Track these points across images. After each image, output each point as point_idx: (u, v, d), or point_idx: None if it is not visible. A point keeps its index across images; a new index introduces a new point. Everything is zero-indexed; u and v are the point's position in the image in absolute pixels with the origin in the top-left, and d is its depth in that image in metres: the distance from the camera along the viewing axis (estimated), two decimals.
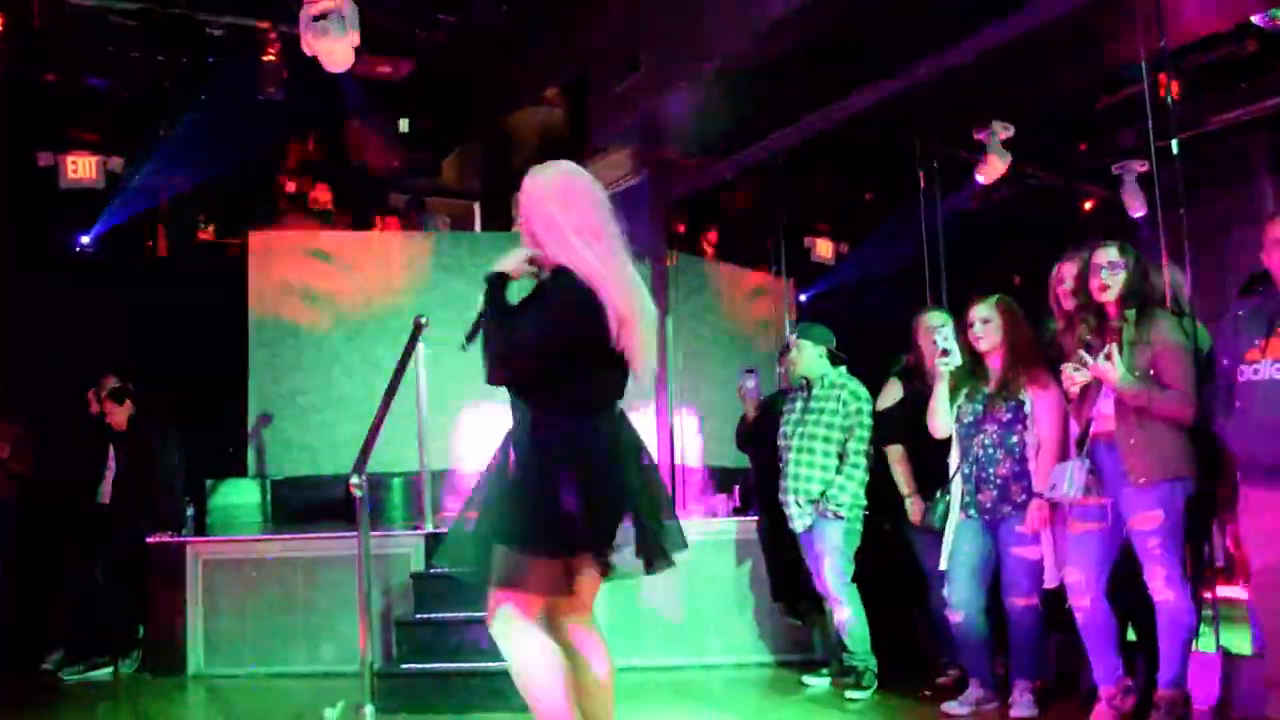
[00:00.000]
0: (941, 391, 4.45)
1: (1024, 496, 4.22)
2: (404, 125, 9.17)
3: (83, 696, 5.50)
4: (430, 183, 9.91)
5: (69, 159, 8.56)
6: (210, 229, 9.23)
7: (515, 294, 2.94)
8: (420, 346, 4.92)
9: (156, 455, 6.36)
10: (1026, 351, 4.33)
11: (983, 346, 4.38)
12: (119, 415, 6.47)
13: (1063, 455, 4.11)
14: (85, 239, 9.02)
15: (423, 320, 4.85)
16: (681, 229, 8.71)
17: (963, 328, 4.42)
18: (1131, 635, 4.20)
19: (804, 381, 5.09)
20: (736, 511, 5.91)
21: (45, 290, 8.02)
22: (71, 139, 8.67)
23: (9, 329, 7.59)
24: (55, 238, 8.94)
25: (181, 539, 6.04)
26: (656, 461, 3.18)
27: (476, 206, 9.37)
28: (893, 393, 5.03)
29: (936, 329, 4.47)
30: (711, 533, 5.78)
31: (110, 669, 5.99)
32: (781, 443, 5.08)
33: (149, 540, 5.99)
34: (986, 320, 4.37)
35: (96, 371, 6.65)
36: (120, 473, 6.38)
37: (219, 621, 5.87)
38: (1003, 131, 7.06)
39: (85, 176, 8.66)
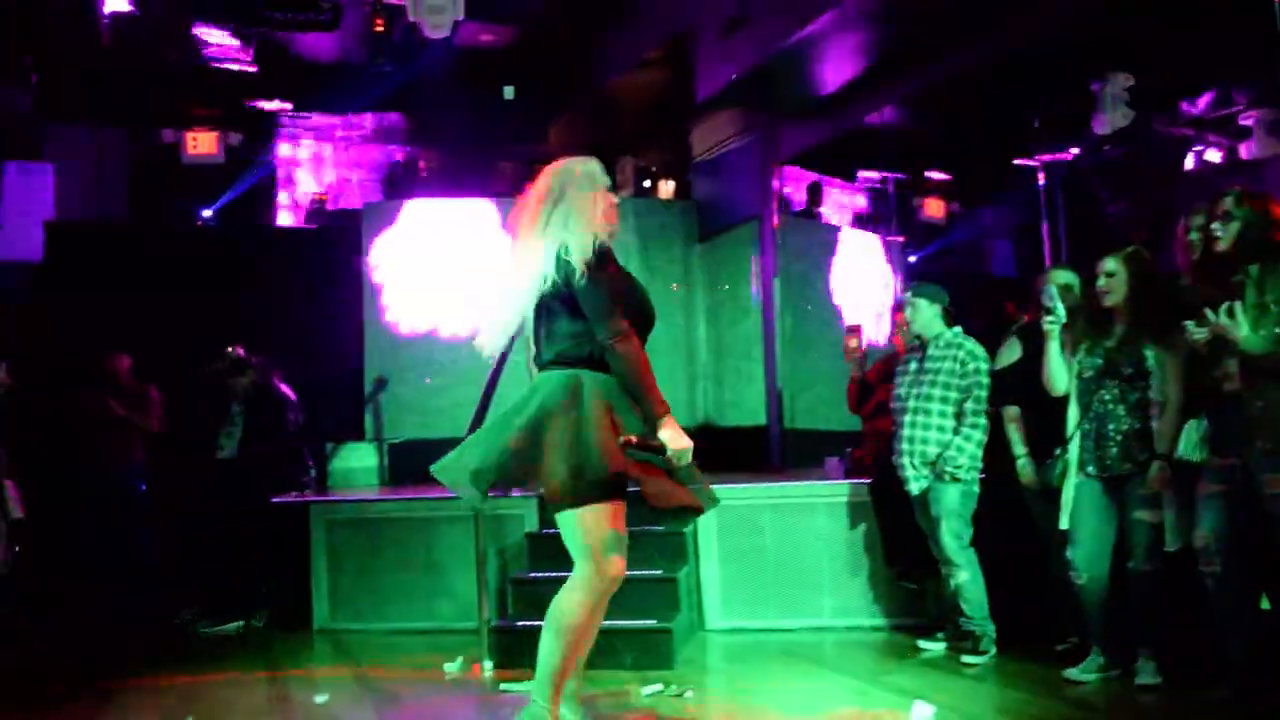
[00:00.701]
0: (1053, 349, 4.35)
1: (1146, 455, 4.09)
2: (509, 93, 9.24)
3: (217, 648, 5.76)
4: (536, 150, 9.97)
5: (190, 135, 8.87)
6: (325, 199, 9.47)
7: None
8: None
9: (282, 419, 6.58)
10: (1152, 308, 4.18)
11: (1107, 301, 4.24)
12: (253, 375, 6.66)
13: (1187, 414, 3.97)
14: (207, 212, 9.36)
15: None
16: (788, 189, 8.61)
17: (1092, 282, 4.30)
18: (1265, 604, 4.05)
19: (918, 341, 4.99)
20: (848, 474, 5.85)
21: (172, 260, 8.35)
22: (192, 116, 8.99)
23: (137, 297, 7.93)
24: (179, 211, 9.31)
25: (306, 499, 6.26)
26: None
27: None
28: (1012, 352, 4.92)
29: (1047, 288, 4.35)
30: (823, 495, 5.73)
31: (241, 623, 6.25)
32: (896, 404, 5.00)
33: (275, 501, 6.23)
34: (1112, 274, 4.23)
35: (220, 337, 6.89)
36: (247, 435, 6.61)
37: (342, 579, 6.08)
38: (1123, 81, 6.79)
39: (206, 151, 8.97)
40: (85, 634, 6.15)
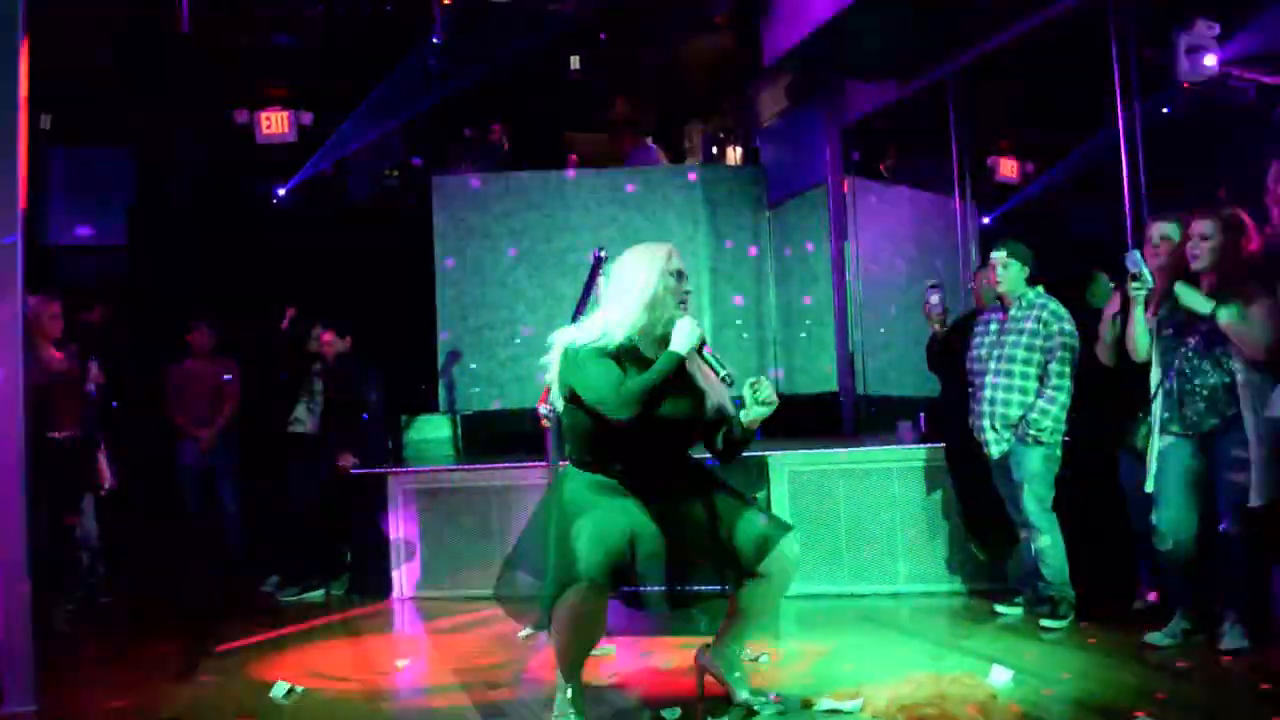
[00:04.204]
0: (1137, 315, 4.25)
1: (1234, 410, 3.98)
2: (575, 62, 9.23)
3: (300, 616, 5.91)
4: (604, 119, 9.98)
5: (263, 115, 9.01)
6: (396, 175, 9.58)
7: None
8: (601, 280, 4.98)
9: (366, 390, 6.69)
10: (1237, 272, 4.04)
11: (1196, 265, 4.11)
12: (335, 348, 6.73)
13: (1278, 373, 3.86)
14: (281, 191, 9.53)
15: (603, 253, 4.92)
16: (856, 153, 8.49)
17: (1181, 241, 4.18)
18: None
19: (999, 302, 4.90)
20: (923, 439, 5.79)
21: (247, 239, 8.54)
22: (264, 96, 9.13)
23: (217, 276, 8.13)
24: (254, 190, 9.50)
25: (384, 470, 6.38)
26: None
27: (650, 140, 9.35)
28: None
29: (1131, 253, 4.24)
30: (898, 460, 5.69)
31: (323, 591, 6.42)
32: (975, 366, 4.92)
33: (354, 471, 6.36)
34: (1206, 238, 4.09)
35: (299, 313, 7.02)
36: (328, 406, 6.73)
37: (420, 547, 6.20)
38: (1208, 30, 6.55)
39: (278, 131, 9.11)
40: (174, 604, 6.35)
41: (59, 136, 8.60)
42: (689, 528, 3.37)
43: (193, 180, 9.47)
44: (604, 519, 3.22)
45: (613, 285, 3.47)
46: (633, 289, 3.39)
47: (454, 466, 6.53)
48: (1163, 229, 4.60)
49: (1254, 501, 3.94)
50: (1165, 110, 7.29)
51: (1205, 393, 4.06)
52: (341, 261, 8.39)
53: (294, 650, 4.99)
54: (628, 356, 3.36)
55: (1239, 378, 3.99)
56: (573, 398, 3.39)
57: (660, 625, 4.74)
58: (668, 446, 3.43)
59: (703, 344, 3.37)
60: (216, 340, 7.13)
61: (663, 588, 3.30)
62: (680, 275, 3.45)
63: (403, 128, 9.10)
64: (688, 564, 3.36)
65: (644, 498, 3.33)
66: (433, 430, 7.43)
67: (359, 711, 3.92)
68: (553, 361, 3.45)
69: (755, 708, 3.56)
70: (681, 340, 3.31)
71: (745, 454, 3.70)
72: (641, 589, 3.28)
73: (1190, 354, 4.11)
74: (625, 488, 3.34)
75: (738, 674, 3.67)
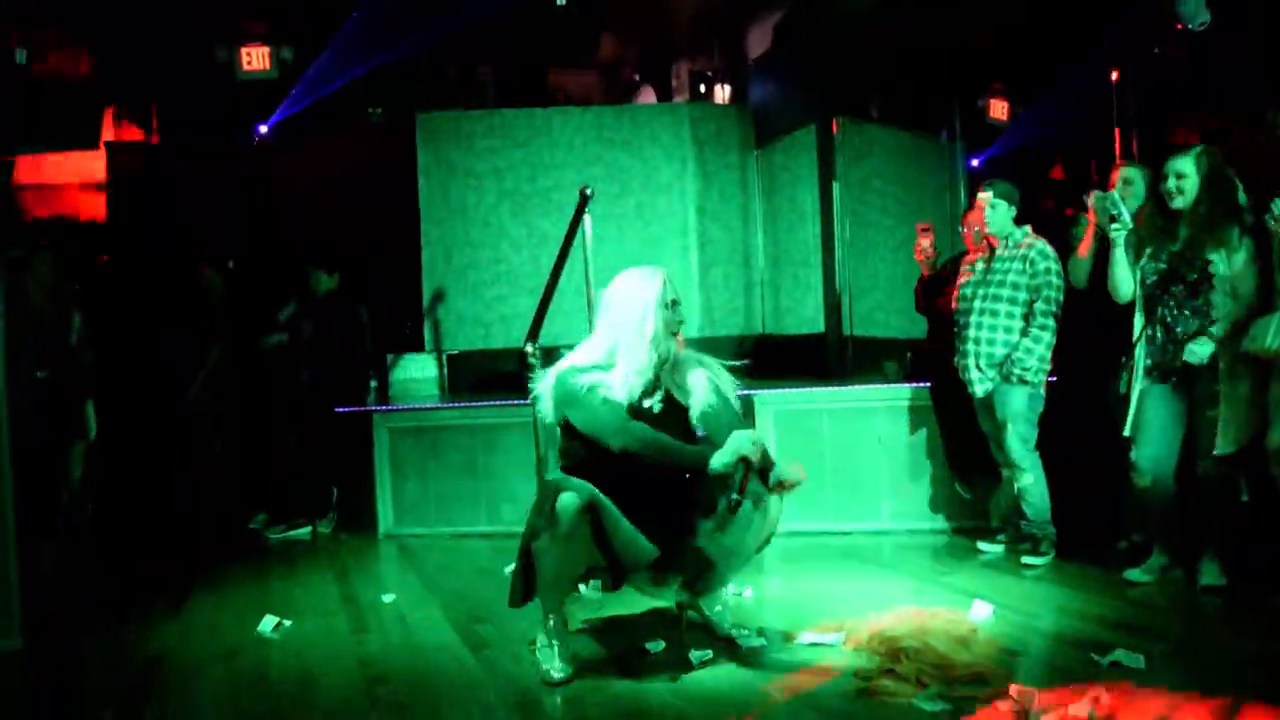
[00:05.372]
0: (1118, 256, 4.25)
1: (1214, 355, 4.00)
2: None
3: (286, 553, 5.94)
4: (589, 58, 9.85)
5: (244, 51, 8.85)
6: (379, 112, 9.44)
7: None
8: (587, 218, 4.95)
9: (357, 328, 6.64)
10: (1218, 212, 4.03)
11: (1175, 204, 4.11)
12: (324, 286, 6.66)
13: (1264, 308, 3.87)
14: (263, 128, 9.39)
15: (588, 191, 4.88)
16: (845, 93, 8.41)
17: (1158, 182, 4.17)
18: None
19: (985, 242, 4.88)
20: (908, 379, 5.81)
21: (228, 178, 8.43)
22: (244, 32, 8.97)
23: (197, 217, 8.04)
24: (236, 128, 9.35)
25: (370, 409, 6.37)
26: None
27: (636, 79, 9.25)
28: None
29: (1117, 188, 4.23)
30: (883, 399, 5.70)
31: (309, 529, 6.43)
32: (961, 305, 4.91)
33: (340, 410, 6.35)
34: (1182, 175, 4.08)
35: (279, 252, 6.95)
36: (315, 343, 6.66)
37: (405, 485, 6.21)
38: None
39: (259, 67, 8.96)
40: (159, 542, 6.36)
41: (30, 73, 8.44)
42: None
43: (172, 117, 9.33)
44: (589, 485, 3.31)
45: (608, 315, 3.48)
46: (632, 326, 3.41)
47: (439, 405, 6.53)
48: (1125, 173, 4.59)
49: (1220, 450, 3.99)
50: (1155, 51, 7.23)
51: (1187, 341, 4.07)
52: (326, 201, 8.29)
53: (281, 586, 5.02)
54: None
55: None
56: (567, 427, 3.43)
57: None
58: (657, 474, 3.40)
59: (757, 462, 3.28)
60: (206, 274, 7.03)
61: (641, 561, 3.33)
62: (674, 305, 3.48)
63: (387, 65, 8.95)
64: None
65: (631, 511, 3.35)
66: (418, 370, 7.40)
67: (346, 644, 3.96)
68: (545, 391, 3.46)
69: (738, 641, 3.61)
70: (729, 451, 3.25)
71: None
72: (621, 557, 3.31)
73: (1172, 303, 4.11)
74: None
75: (719, 608, 3.72)
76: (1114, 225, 4.18)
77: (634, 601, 4.05)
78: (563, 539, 3.21)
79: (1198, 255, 4.05)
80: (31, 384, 5.35)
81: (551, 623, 3.38)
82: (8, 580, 3.98)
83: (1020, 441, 4.73)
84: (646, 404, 3.42)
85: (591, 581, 3.69)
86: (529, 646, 3.58)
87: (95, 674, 3.80)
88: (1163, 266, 4.15)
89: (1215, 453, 4.01)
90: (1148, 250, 4.21)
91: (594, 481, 3.33)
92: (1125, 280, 4.26)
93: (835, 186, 6.84)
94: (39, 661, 3.94)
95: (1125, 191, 4.41)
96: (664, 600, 3.90)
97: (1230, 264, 3.97)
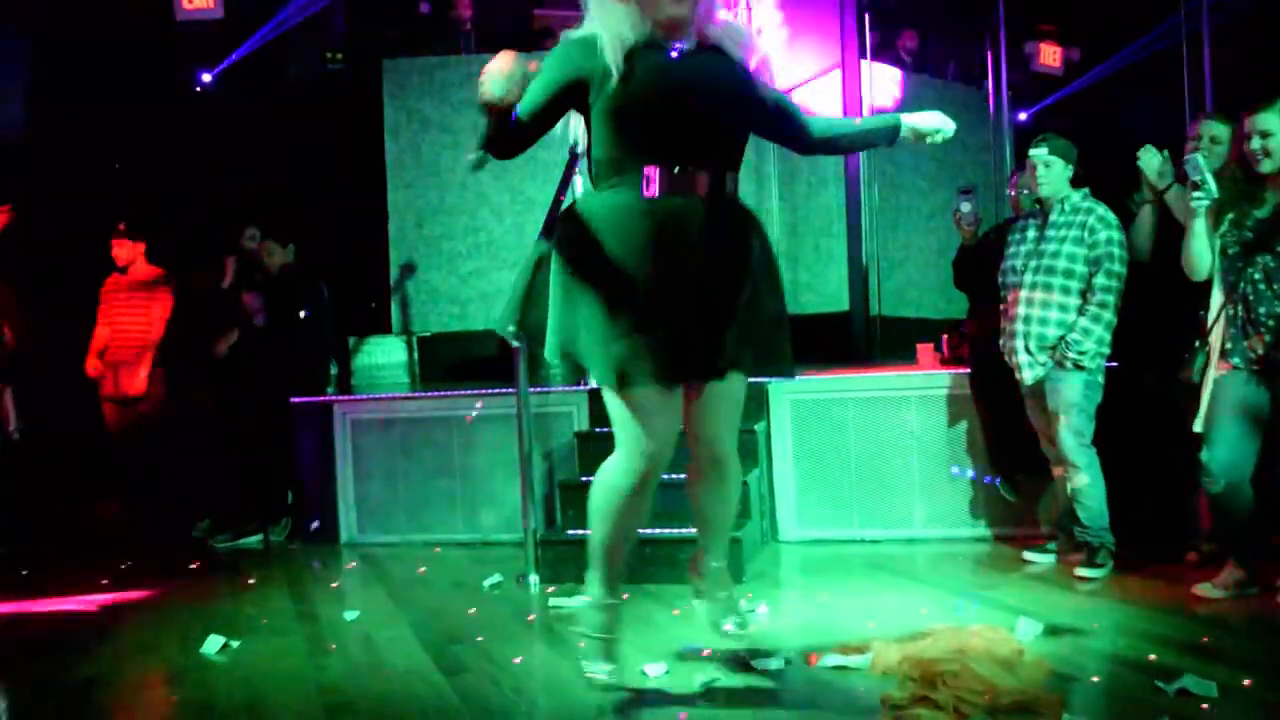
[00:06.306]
0: (1198, 229, 4.20)
1: None
2: None
3: (235, 564, 5.92)
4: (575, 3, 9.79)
5: None
6: (339, 59, 9.40)
7: None
8: (577, 179, 4.93)
9: (319, 307, 6.61)
10: None
11: (1262, 167, 4.07)
12: (277, 259, 6.66)
13: None
14: (207, 77, 9.35)
15: (579, 149, 4.84)
16: (875, 35, 8.39)
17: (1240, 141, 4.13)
18: None
19: (1038, 207, 4.85)
20: (944, 363, 5.80)
21: (168, 131, 8.40)
22: None
23: (134, 173, 8.01)
24: (176, 76, 9.32)
25: (329, 399, 6.35)
26: None
27: None
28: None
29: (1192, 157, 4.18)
30: (915, 388, 5.70)
31: (259, 536, 6.43)
32: (1009, 279, 4.88)
33: (296, 401, 6.33)
34: (1267, 134, 4.04)
35: (227, 217, 6.92)
36: (267, 326, 6.65)
37: (371, 487, 6.21)
38: None
39: (203, 5, 8.91)
40: (90, 552, 6.35)
41: None
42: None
43: (102, 64, 9.27)
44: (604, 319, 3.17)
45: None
46: None
47: (410, 394, 6.52)
48: (1211, 128, 4.55)
49: None
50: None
51: (1272, 323, 4.04)
52: (278, 159, 8.27)
53: (228, 601, 5.01)
54: None
55: None
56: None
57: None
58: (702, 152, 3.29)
59: None
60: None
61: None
62: None
63: (348, 2, 8.93)
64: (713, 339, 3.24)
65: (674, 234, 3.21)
66: (385, 354, 7.41)
67: (302, 667, 3.94)
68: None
69: (751, 663, 3.61)
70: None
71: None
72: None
73: (1257, 277, 4.08)
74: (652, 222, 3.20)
75: (734, 619, 3.72)
76: (1196, 194, 4.13)
77: (637, 626, 4.05)
78: (621, 506, 3.36)
79: None
80: None
81: (602, 573, 3.46)
82: None
83: (1074, 436, 4.71)
84: None
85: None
86: (512, 667, 3.57)
87: (18, 704, 3.78)
88: (1248, 236, 4.11)
89: None
90: (1228, 217, 4.18)
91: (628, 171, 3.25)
92: (1203, 255, 4.23)
93: None
94: None
95: (1210, 151, 4.35)
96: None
97: None
